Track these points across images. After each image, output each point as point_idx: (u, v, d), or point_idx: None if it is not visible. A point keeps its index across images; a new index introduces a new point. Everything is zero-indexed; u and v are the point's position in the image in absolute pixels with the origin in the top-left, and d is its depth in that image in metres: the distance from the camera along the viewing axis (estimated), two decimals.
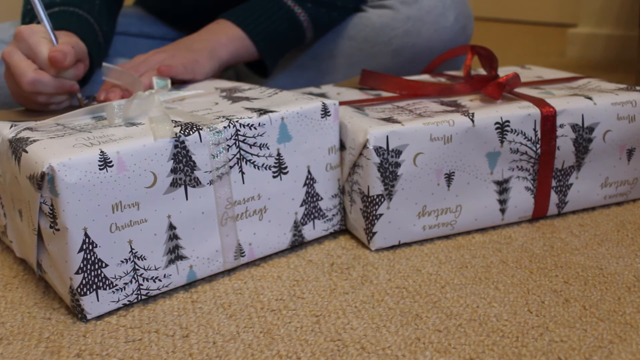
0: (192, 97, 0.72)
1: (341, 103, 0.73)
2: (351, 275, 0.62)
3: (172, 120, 0.60)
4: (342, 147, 0.68)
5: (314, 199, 0.67)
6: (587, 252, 0.65)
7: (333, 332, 0.53)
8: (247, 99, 0.68)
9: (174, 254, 0.59)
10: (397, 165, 0.64)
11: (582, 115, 0.70)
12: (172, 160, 0.56)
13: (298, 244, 0.67)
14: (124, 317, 0.56)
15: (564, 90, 0.76)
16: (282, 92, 0.71)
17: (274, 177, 0.63)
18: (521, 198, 0.71)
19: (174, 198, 0.57)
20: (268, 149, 0.62)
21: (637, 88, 0.76)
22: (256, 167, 0.62)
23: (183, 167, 0.57)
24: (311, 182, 0.66)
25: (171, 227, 0.57)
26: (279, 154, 0.63)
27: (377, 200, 0.65)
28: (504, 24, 2.70)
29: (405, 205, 0.66)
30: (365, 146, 0.63)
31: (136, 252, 0.56)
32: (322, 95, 0.78)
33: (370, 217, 0.66)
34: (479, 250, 0.66)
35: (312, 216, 0.67)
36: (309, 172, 0.66)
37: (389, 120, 0.66)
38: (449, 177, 0.67)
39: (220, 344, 0.52)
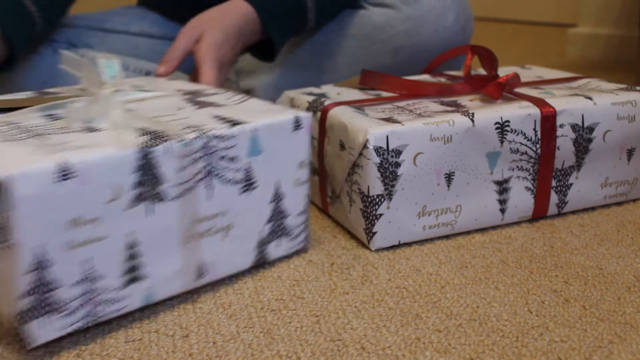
0: (153, 99, 0.67)
1: (341, 103, 0.73)
2: (351, 275, 0.62)
3: (136, 128, 0.56)
4: (342, 147, 0.68)
5: (281, 216, 0.63)
6: (587, 252, 0.65)
7: (333, 332, 0.53)
8: (214, 105, 0.64)
9: (133, 274, 0.54)
10: (397, 165, 0.64)
11: (582, 115, 0.70)
12: (136, 173, 0.51)
13: (261, 263, 0.63)
14: (124, 316, 0.56)
15: (564, 90, 0.76)
16: (250, 99, 0.67)
17: (241, 192, 0.59)
18: (521, 198, 0.71)
19: (136, 214, 0.52)
20: (237, 162, 0.58)
21: (637, 88, 0.76)
22: (224, 181, 0.57)
23: (147, 181, 0.52)
24: (279, 198, 0.62)
25: (132, 245, 0.53)
26: (248, 168, 0.59)
27: (377, 200, 0.65)
28: (504, 24, 2.70)
29: (405, 205, 0.66)
30: (365, 146, 0.63)
31: (92, 272, 0.51)
32: (322, 95, 0.78)
33: (370, 217, 0.66)
34: (479, 250, 0.66)
35: (278, 234, 0.63)
36: (277, 187, 0.62)
37: (389, 120, 0.65)
38: (449, 177, 0.67)
39: (220, 344, 0.52)
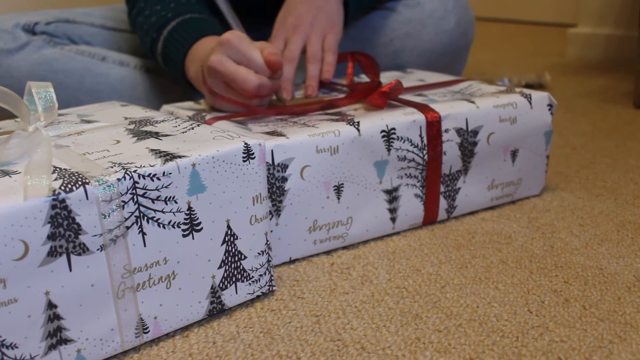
0: (92, 130, 0.60)
1: (223, 117, 0.70)
2: (351, 275, 0.62)
3: (53, 169, 0.48)
4: None
5: (236, 259, 0.56)
6: (587, 252, 0.65)
7: (333, 332, 0.53)
8: (156, 135, 0.57)
9: (56, 337, 0.47)
10: (284, 179, 0.62)
11: (466, 119, 0.70)
12: (49, 225, 0.45)
13: (217, 312, 0.56)
14: None
15: (446, 95, 0.76)
16: (199, 126, 0.60)
17: (184, 236, 0.52)
18: (411, 206, 0.70)
19: (53, 270, 0.45)
20: (176, 202, 0.51)
21: (517, 90, 0.76)
22: (161, 225, 0.50)
23: (64, 232, 0.45)
24: (232, 239, 0.55)
25: (51, 305, 0.46)
26: (189, 208, 0.51)
27: None
28: (504, 24, 2.70)
29: (294, 221, 0.63)
30: None
31: (4, 340, 0.45)
32: (203, 110, 0.74)
33: None
34: (479, 250, 0.66)
35: (234, 279, 0.56)
36: (228, 227, 0.54)
37: (273, 133, 0.63)
38: (338, 189, 0.65)
39: (220, 344, 0.52)
